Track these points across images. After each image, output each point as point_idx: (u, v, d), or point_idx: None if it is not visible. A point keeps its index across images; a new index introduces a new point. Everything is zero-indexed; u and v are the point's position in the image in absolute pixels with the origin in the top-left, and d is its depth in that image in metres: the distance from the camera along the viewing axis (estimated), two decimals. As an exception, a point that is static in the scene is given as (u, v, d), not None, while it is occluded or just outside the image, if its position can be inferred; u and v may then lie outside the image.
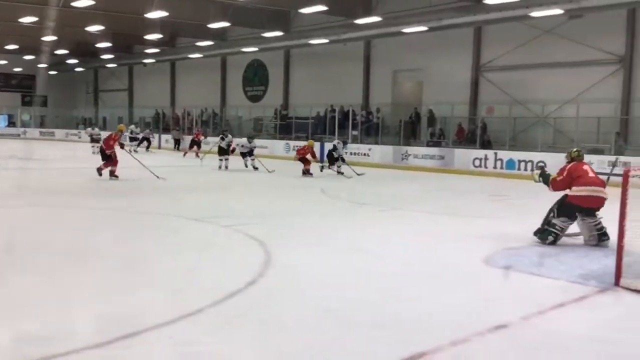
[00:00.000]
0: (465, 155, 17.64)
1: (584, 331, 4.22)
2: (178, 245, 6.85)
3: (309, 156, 16.14)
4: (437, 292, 5.18)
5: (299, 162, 16.19)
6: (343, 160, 16.19)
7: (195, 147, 22.95)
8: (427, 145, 19.49)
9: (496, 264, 6.13)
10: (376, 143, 20.90)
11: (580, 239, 7.12)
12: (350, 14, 20.28)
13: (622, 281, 5.27)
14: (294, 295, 4.99)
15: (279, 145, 23.27)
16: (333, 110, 23.09)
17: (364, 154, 20.15)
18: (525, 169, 15.89)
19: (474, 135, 18.71)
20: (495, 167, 16.76)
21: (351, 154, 20.12)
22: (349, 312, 4.54)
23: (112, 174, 13.20)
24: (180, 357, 3.63)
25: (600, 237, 6.85)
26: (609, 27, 16.88)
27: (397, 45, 22.00)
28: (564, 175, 7.05)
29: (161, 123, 31.21)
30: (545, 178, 7.26)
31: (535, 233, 7.10)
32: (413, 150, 19.19)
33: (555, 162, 14.90)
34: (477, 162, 17.24)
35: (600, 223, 6.85)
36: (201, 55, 29.08)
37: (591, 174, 6.97)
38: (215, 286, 5.01)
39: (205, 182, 14.58)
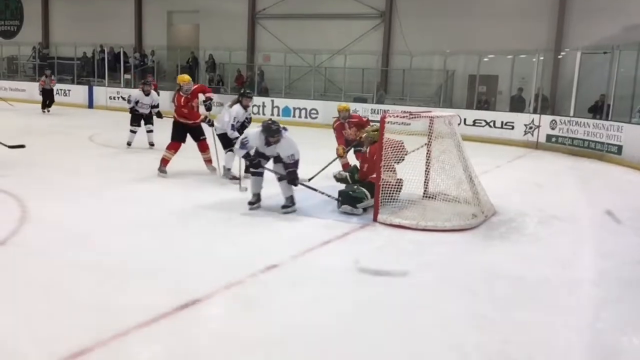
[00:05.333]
0: (243, 102, 17.83)
1: (345, 263, 4.61)
2: None
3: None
4: (210, 240, 5.18)
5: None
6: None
7: None
8: (206, 92, 19.19)
9: (271, 207, 6.33)
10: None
11: None
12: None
13: (379, 217, 5.87)
14: (54, 252, 4.56)
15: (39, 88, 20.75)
16: (102, 51, 21.26)
17: (130, 94, 18.94)
18: (300, 116, 16.65)
19: (253, 82, 18.91)
20: (272, 114, 17.22)
21: (124, 99, 18.86)
22: (119, 265, 4.31)
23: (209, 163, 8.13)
24: None
25: None
26: (372, -18, 18.20)
27: (171, -16, 21.00)
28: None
29: None
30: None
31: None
32: (191, 96, 18.72)
33: (327, 109, 15.93)
34: (255, 109, 17.53)
35: None
36: None
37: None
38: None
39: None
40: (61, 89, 20.46)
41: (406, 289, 4.17)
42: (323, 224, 5.76)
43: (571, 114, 12.99)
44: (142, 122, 10.65)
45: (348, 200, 6.14)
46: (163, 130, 9.47)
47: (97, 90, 19.83)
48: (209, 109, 7.84)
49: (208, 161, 8.11)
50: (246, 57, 20.17)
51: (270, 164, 6.22)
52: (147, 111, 10.70)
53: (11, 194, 6.31)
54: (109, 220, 5.56)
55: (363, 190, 6.19)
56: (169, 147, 7.88)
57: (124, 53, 20.26)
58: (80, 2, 22.96)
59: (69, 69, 21.41)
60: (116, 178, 7.70)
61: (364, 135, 7.02)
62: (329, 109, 15.91)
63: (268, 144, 5.97)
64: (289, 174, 6.03)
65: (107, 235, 5.07)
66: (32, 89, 20.72)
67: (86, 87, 20.06)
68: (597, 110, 13.21)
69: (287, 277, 4.28)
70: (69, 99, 20.03)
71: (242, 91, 8.05)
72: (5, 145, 8.12)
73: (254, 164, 6.10)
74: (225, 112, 7.73)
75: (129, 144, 10.44)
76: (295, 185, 6.10)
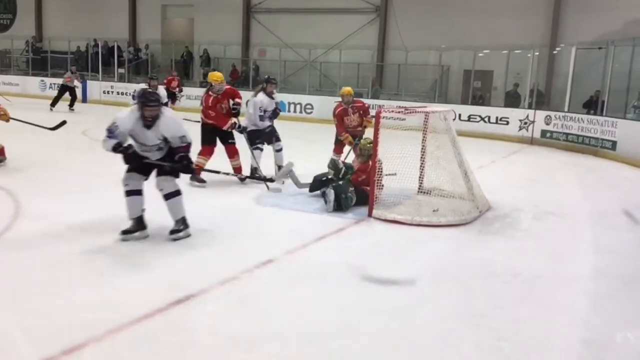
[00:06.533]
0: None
1: (340, 259, 4.61)
2: None
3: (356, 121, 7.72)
4: (205, 235, 5.14)
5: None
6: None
7: None
8: (201, 86, 19.10)
9: (265, 203, 6.32)
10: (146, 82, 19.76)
11: None
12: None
13: (374, 212, 5.86)
14: (47, 246, 4.53)
15: (32, 82, 20.65)
16: (96, 45, 21.16)
17: (135, 89, 18.92)
18: (295, 111, 16.61)
19: (248, 76, 18.85)
20: (267, 109, 17.19)
21: (118, 93, 18.84)
22: (114, 261, 4.30)
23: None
24: None
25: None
26: (367, -24, 18.15)
27: (165, -22, 20.89)
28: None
29: None
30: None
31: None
32: (186, 90, 18.61)
33: (322, 104, 15.91)
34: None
35: None
36: None
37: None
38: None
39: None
40: (54, 83, 20.33)
41: (401, 284, 4.16)
42: (317, 219, 5.75)
43: (566, 109, 13.01)
44: None
45: (337, 201, 5.97)
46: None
47: (91, 84, 19.74)
48: (237, 114, 7.12)
49: (237, 169, 7.20)
50: (241, 51, 20.12)
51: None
52: None
53: (5, 189, 6.26)
54: (103, 216, 5.52)
55: (351, 197, 6.03)
56: (201, 153, 6.97)
57: (118, 47, 20.16)
58: (74, -5, 22.86)
59: (62, 63, 21.29)
60: (111, 174, 7.63)
61: (360, 143, 6.77)
62: (324, 104, 15.87)
63: (148, 125, 4.61)
64: (182, 159, 4.79)
65: (101, 231, 5.04)
66: (25, 82, 20.65)
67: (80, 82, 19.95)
68: (592, 105, 13.24)
69: (282, 273, 4.26)
70: (63, 93, 19.94)
71: (266, 77, 7.68)
72: (47, 128, 7.91)
73: (129, 155, 4.73)
74: (250, 105, 7.37)
75: None
76: (192, 172, 4.90)
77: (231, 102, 7.09)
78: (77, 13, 22.63)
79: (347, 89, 7.76)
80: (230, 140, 7.14)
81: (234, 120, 7.04)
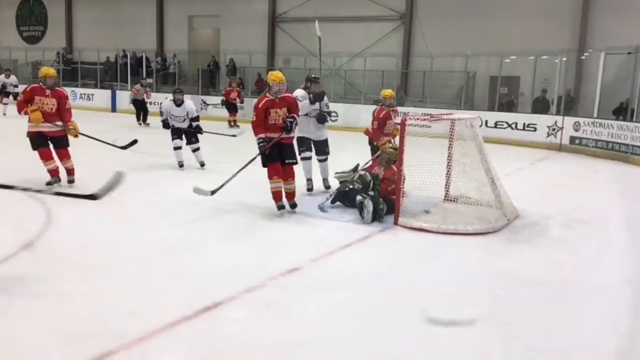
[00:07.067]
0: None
1: (366, 267, 4.60)
2: None
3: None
4: (232, 243, 5.19)
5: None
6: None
7: None
8: (227, 95, 19.33)
9: (291, 211, 6.31)
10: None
11: None
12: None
13: (400, 220, 5.83)
14: (77, 256, 4.61)
15: (63, 93, 21.09)
16: (125, 56, 21.54)
17: (161, 103, 19.15)
18: (320, 119, 16.62)
19: (273, 85, 18.94)
20: (292, 117, 17.25)
21: (149, 103, 19.09)
22: (141, 269, 4.35)
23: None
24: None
25: None
26: (391, -16, 18.14)
27: (191, -11, 21.18)
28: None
29: None
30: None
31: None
32: (212, 99, 18.85)
33: (347, 112, 15.94)
34: (274, 112, 17.58)
35: None
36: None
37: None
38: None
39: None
40: (84, 94, 20.80)
41: (427, 293, 4.13)
42: (343, 227, 5.75)
43: (595, 115, 12.79)
44: (183, 135, 8.91)
45: (374, 213, 5.88)
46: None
47: (120, 94, 20.10)
48: (288, 130, 6.01)
49: (290, 195, 6.19)
50: (266, 60, 20.26)
51: None
52: (184, 125, 8.80)
53: (36, 198, 6.39)
54: (131, 224, 5.61)
55: (383, 208, 5.94)
56: (269, 176, 6.00)
57: (146, 58, 20.49)
58: (103, 7, 23.32)
59: (92, 74, 21.74)
60: (138, 181, 7.75)
61: (385, 150, 6.71)
62: (348, 112, 15.95)
63: None
64: None
65: (130, 239, 5.12)
66: (57, 93, 21.05)
67: (109, 92, 20.35)
68: (622, 112, 12.99)
69: (308, 281, 4.27)
70: (92, 103, 20.34)
71: (309, 76, 7.25)
72: (118, 147, 7.58)
73: None
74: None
75: (180, 165, 8.83)
76: None
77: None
78: (106, 25, 23.09)
79: (390, 91, 7.47)
80: (288, 160, 6.07)
81: (263, 135, 5.94)
